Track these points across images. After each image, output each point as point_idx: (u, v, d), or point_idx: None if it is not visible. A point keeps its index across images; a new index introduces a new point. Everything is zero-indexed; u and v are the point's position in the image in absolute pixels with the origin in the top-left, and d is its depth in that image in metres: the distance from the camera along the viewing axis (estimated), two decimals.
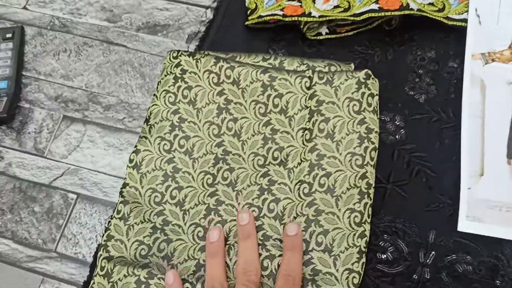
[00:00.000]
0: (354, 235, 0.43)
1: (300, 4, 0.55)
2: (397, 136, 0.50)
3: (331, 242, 0.43)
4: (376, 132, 0.47)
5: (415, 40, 0.55)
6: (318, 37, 0.56)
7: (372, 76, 0.49)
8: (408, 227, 0.46)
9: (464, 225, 0.45)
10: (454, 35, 0.54)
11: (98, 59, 0.57)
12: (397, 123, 0.51)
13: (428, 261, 0.45)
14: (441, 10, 0.53)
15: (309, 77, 0.49)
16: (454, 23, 0.53)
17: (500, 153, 0.48)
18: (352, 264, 0.42)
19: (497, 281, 0.44)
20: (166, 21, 0.58)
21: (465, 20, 0.54)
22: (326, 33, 0.56)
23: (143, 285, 0.42)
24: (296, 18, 0.54)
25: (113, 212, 0.46)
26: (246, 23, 0.57)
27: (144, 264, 0.43)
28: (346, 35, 0.56)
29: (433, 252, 0.45)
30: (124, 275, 0.42)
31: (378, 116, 0.48)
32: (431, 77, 0.53)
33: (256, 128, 0.49)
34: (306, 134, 0.48)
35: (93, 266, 0.45)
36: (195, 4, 0.59)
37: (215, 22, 0.58)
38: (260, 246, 0.44)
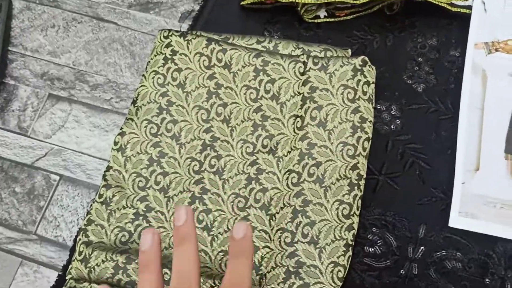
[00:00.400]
0: (342, 227, 0.43)
1: None
2: (392, 126, 0.49)
3: (317, 234, 0.43)
4: (370, 121, 0.46)
5: (416, 26, 0.53)
6: (315, 20, 0.55)
7: (369, 63, 0.48)
8: (398, 220, 0.46)
9: (456, 220, 0.45)
10: (458, 23, 0.53)
11: (87, 36, 0.56)
12: (393, 113, 0.50)
13: (416, 256, 0.44)
14: None
15: (303, 63, 0.48)
16: (458, 9, 0.52)
17: (498, 148, 0.47)
18: (338, 257, 0.42)
19: (487, 280, 0.43)
20: None
21: (470, 7, 0.52)
22: (325, 16, 0.55)
23: (121, 270, 0.42)
24: (293, 0, 0.52)
25: (96, 195, 0.45)
26: (242, 3, 0.55)
27: (123, 250, 0.43)
28: (345, 19, 0.55)
29: (422, 247, 0.45)
30: (102, 260, 0.42)
31: (373, 105, 0.47)
32: (431, 66, 0.52)
33: (246, 114, 0.48)
34: (298, 121, 0.47)
35: (73, 250, 0.45)
36: None
37: (209, 1, 0.57)
38: None
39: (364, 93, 0.47)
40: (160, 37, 0.52)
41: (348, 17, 0.55)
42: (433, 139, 0.49)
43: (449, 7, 0.52)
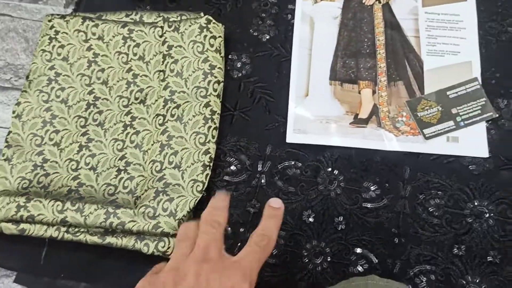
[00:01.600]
0: (199, 152, 0.52)
1: None
2: (243, 72, 0.59)
3: (180, 160, 0.52)
4: (219, 68, 0.56)
5: None
6: None
7: (213, 21, 0.57)
8: (250, 144, 0.56)
9: (292, 137, 0.55)
10: None
11: None
12: (243, 60, 0.60)
13: (265, 169, 0.54)
14: None
15: (161, 27, 0.57)
16: None
17: (323, 77, 0.57)
18: (197, 175, 0.51)
19: (319, 178, 0.54)
20: None
21: None
22: None
23: (22, 208, 0.50)
24: None
25: None
26: None
27: (24, 193, 0.52)
28: None
29: (269, 162, 0.55)
30: (7, 203, 0.51)
31: (222, 55, 0.57)
32: (273, 19, 0.61)
33: (120, 75, 0.57)
34: (161, 75, 0.56)
35: None
36: None
37: None
38: (123, 171, 0.53)
39: (211, 45, 0.56)
40: (46, 22, 0.60)
41: None
42: (276, 77, 0.59)
43: None
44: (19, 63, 0.62)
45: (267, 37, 0.61)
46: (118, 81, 0.57)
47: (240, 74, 0.59)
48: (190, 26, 0.57)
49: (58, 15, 0.60)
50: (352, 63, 0.58)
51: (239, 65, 0.60)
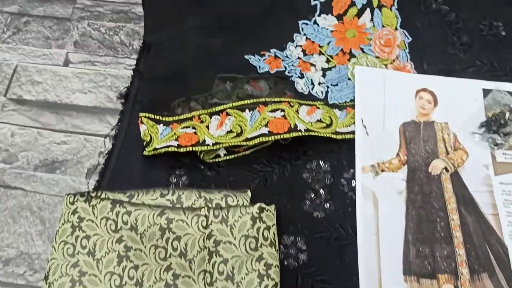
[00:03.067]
0: None
1: (194, 131, 0.53)
2: (299, 260, 0.48)
3: None
4: (275, 266, 0.45)
5: (309, 154, 0.53)
6: (217, 159, 0.54)
7: (266, 208, 0.47)
8: None
9: None
10: (346, 145, 0.53)
11: None
12: (299, 246, 0.49)
13: None
14: (329, 125, 0.52)
15: (205, 216, 0.47)
16: (343, 136, 0.52)
17: (396, 270, 0.47)
18: None
19: None
20: (64, 156, 0.55)
21: (353, 132, 0.53)
22: (225, 154, 0.54)
23: None
24: (190, 148, 0.51)
25: None
26: (144, 153, 0.53)
27: None
28: (244, 154, 0.54)
29: None
30: None
31: (277, 248, 0.46)
32: (328, 192, 0.51)
33: (158, 274, 0.46)
34: (207, 277, 0.45)
35: None
36: (92, 134, 0.56)
37: (113, 153, 0.55)
38: None
39: (266, 238, 0.46)
40: (67, 203, 0.49)
41: (246, 152, 0.54)
42: (337, 266, 0.48)
43: (334, 136, 0.52)
44: (35, 251, 0.50)
45: (323, 215, 0.50)
46: (155, 283, 0.46)
47: (296, 264, 0.48)
48: (240, 217, 0.46)
49: (81, 195, 0.49)
50: (426, 251, 0.48)
51: (294, 252, 0.49)
